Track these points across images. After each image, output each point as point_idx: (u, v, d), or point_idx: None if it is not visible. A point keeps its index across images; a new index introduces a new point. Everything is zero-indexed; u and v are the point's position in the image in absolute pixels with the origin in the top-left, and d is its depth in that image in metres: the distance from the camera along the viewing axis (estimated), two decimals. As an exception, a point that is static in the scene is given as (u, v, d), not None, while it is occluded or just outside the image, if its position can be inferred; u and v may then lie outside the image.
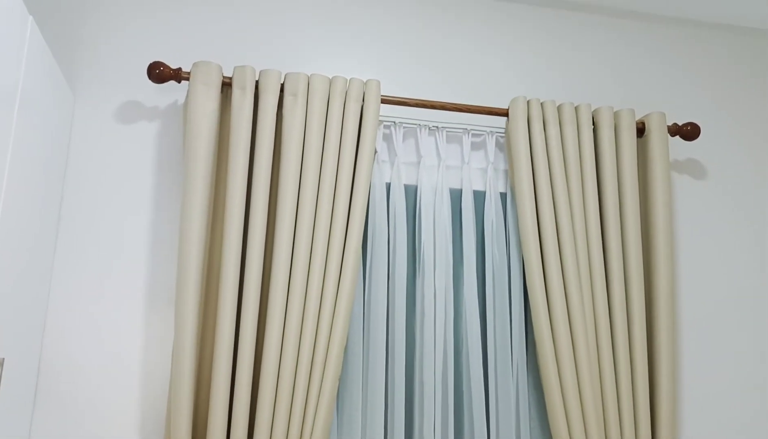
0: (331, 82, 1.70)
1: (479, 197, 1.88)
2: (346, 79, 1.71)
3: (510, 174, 1.83)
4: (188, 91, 1.63)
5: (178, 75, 1.65)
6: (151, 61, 1.69)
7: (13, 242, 1.28)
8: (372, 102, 1.70)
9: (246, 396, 1.49)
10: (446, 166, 1.88)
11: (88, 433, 1.56)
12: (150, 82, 1.75)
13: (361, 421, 1.63)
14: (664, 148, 1.87)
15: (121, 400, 1.59)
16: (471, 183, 1.84)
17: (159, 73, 1.63)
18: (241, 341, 1.51)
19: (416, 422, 1.68)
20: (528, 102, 1.81)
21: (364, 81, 1.73)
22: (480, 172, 1.91)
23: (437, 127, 1.87)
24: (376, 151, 1.75)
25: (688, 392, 1.89)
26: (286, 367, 1.52)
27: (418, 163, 1.86)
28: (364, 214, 1.64)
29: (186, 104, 1.64)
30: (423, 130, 1.85)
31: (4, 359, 0.77)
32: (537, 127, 1.79)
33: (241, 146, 1.60)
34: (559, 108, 1.83)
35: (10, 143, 1.23)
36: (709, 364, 1.93)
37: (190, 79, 1.63)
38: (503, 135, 1.90)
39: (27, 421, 1.49)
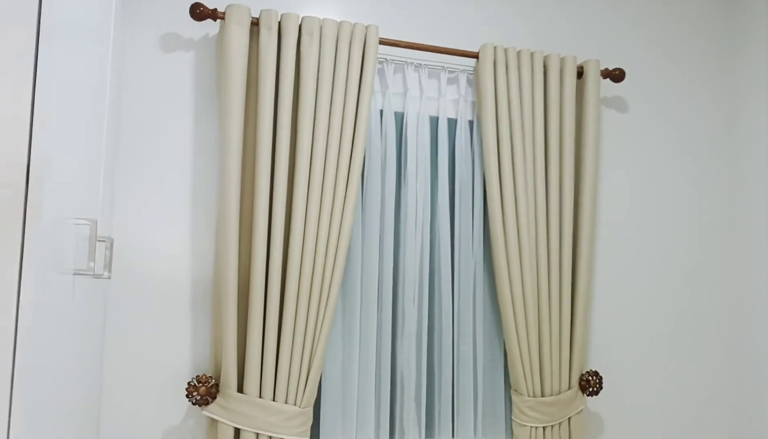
0: (339, 25, 2.08)
1: (452, 123, 2.33)
2: (352, 24, 2.09)
3: (477, 106, 2.29)
4: (223, 29, 1.98)
5: (215, 15, 1.99)
6: (193, 2, 2.02)
7: (89, 156, 1.66)
8: (372, 44, 2.10)
9: (278, 274, 1.96)
10: (427, 97, 2.31)
11: (154, 306, 2.00)
12: (185, 17, 2.07)
13: (360, 295, 2.14)
14: (597, 88, 2.37)
15: (174, 281, 2.02)
16: (446, 112, 2.30)
17: (199, 12, 1.97)
18: (273, 234, 1.96)
19: (400, 292, 2.20)
20: (494, 48, 2.25)
21: (366, 26, 2.11)
22: (453, 103, 2.36)
23: (420, 64, 2.29)
24: (372, 84, 2.16)
25: (601, 265, 2.49)
26: (308, 252, 1.99)
27: (405, 94, 2.29)
28: (366, 135, 2.08)
29: (221, 40, 1.99)
30: (409, 67, 2.27)
31: (113, 239, 1.17)
32: (501, 69, 2.24)
33: (269, 76, 1.98)
34: (518, 54, 2.28)
35: (108, 73, 1.59)
36: (619, 246, 2.52)
37: (225, 18, 1.97)
38: (473, 73, 2.35)
39: (103, 293, 1.91)
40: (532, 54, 2.30)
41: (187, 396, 1.91)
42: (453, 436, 2.25)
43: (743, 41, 2.70)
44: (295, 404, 1.96)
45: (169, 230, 2.03)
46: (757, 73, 2.61)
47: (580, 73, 2.40)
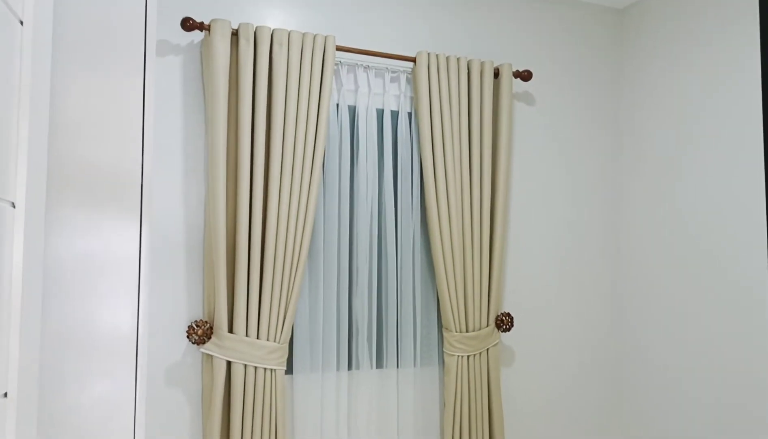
0: (303, 36, 2.55)
1: (394, 115, 2.86)
2: (313, 34, 2.57)
3: (414, 101, 2.82)
4: (209, 39, 2.41)
5: (201, 27, 2.42)
6: (183, 17, 2.43)
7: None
8: (330, 51, 2.59)
9: (258, 240, 2.44)
10: (374, 93, 2.82)
11: (156, 266, 2.44)
12: (174, 27, 2.48)
13: (323, 256, 2.65)
14: (510, 86, 2.95)
15: (171, 247, 2.47)
16: (389, 105, 2.82)
17: (189, 25, 2.39)
18: (253, 206, 2.44)
19: (354, 253, 2.73)
20: (428, 54, 2.78)
21: (325, 36, 2.59)
22: (395, 98, 2.88)
23: (368, 66, 2.79)
24: (330, 83, 2.65)
25: (513, 228, 3.11)
26: (282, 221, 2.48)
27: (356, 90, 2.79)
28: (328, 125, 2.57)
29: (207, 48, 2.42)
30: (359, 68, 2.77)
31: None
32: (433, 71, 2.78)
33: (247, 78, 2.44)
34: (447, 59, 2.82)
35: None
36: (527, 213, 3.15)
37: (210, 30, 2.41)
38: (411, 74, 2.87)
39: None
40: (458, 59, 2.85)
41: (187, 337, 2.38)
42: (398, 366, 2.82)
43: (628, 45, 3.36)
44: (274, 341, 2.48)
45: (165, 203, 2.47)
46: (639, 63, 3.27)
47: (496, 74, 2.97)
